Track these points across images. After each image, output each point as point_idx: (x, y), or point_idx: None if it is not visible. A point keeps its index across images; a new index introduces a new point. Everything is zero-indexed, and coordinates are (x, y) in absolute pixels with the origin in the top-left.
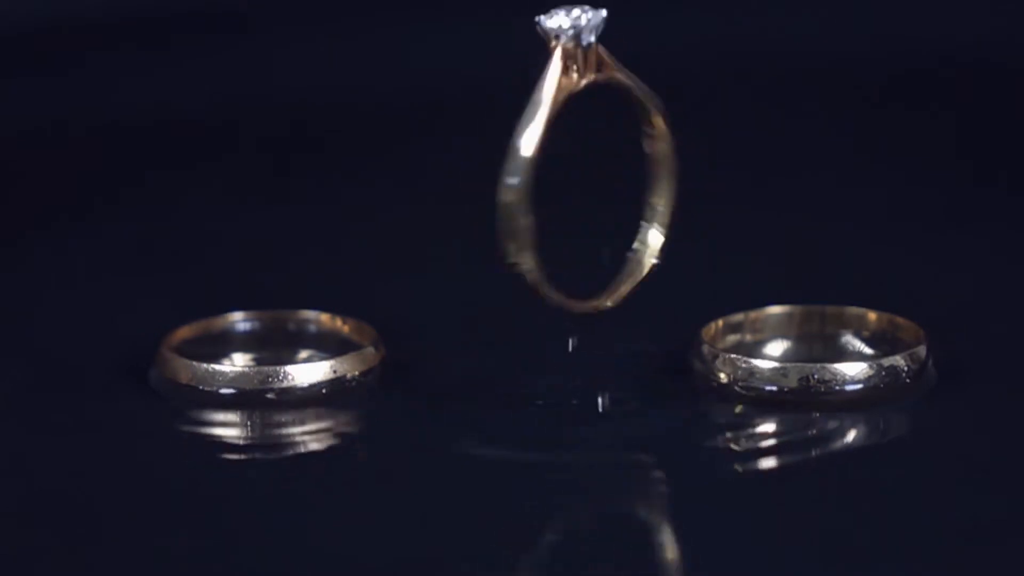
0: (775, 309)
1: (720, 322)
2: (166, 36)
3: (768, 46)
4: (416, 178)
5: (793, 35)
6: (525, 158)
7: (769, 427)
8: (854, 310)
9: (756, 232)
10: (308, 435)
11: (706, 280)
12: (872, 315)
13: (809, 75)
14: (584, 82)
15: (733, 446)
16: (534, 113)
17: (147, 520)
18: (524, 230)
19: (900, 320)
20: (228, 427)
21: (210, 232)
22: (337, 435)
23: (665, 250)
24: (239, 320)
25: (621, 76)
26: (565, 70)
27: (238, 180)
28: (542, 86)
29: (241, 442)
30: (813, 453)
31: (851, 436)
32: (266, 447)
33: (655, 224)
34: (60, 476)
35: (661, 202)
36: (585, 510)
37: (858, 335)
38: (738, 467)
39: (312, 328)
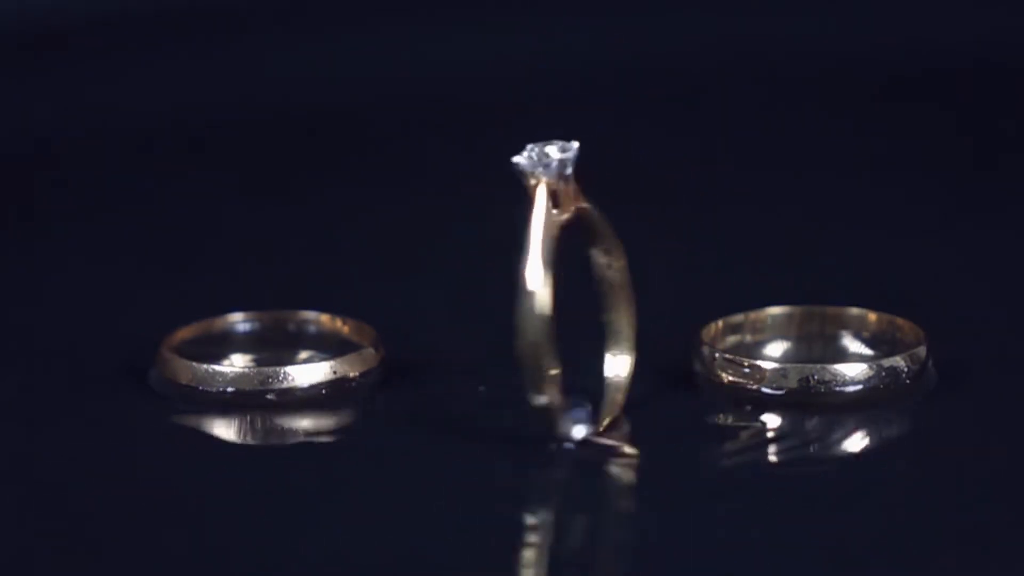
0: (775, 309)
1: (720, 323)
2: (165, 35)
3: (768, 46)
4: (416, 178)
5: (793, 36)
6: (535, 296)
7: (769, 428)
8: (854, 311)
9: (756, 232)
10: (308, 436)
11: (706, 280)
12: (872, 316)
13: (810, 75)
14: (566, 216)
15: (733, 447)
16: (531, 251)
17: (147, 520)
18: (548, 372)
19: (900, 321)
20: (228, 428)
21: (210, 232)
22: (337, 436)
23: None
24: (239, 320)
25: (590, 208)
26: (554, 204)
27: (238, 180)
28: (532, 224)
29: (241, 443)
30: (813, 454)
31: (851, 437)
32: (266, 448)
33: (622, 349)
34: (60, 476)
35: (623, 324)
36: (585, 511)
37: (858, 336)
38: (738, 468)
39: (312, 328)
